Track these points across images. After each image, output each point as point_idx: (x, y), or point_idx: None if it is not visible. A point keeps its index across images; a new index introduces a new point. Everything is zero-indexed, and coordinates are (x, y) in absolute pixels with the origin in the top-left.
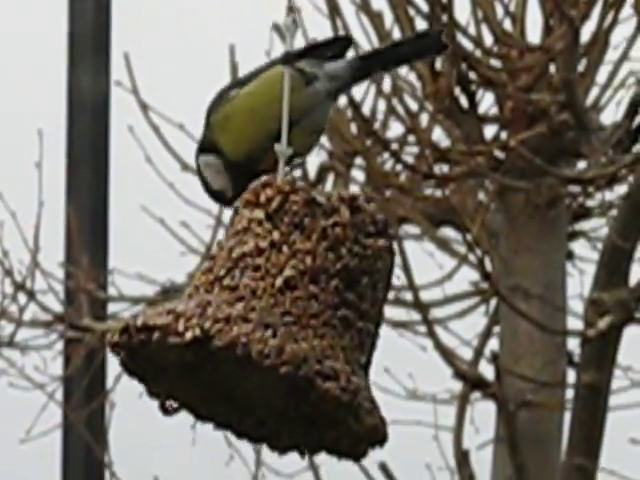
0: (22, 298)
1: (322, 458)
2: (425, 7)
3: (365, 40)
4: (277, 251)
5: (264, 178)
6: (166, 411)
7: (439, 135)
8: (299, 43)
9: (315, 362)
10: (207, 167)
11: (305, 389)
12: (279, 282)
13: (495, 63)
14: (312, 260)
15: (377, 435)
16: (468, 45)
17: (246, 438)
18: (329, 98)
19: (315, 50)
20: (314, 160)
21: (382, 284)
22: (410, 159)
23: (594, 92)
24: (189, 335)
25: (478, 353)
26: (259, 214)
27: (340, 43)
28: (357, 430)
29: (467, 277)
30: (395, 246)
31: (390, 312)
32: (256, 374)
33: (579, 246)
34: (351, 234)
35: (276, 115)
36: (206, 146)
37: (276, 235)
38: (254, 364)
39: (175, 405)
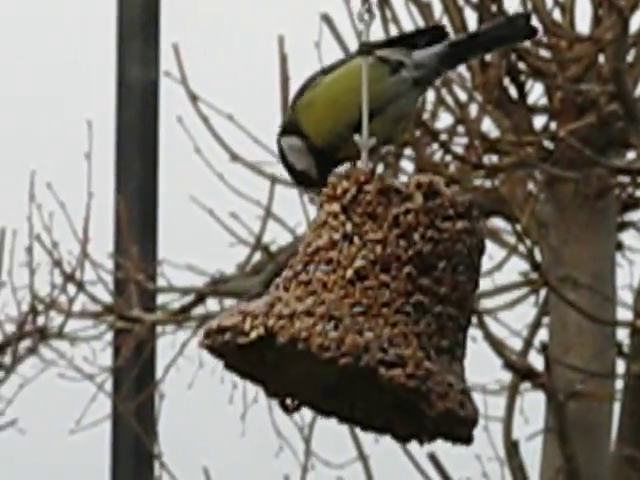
0: (71, 289)
1: (372, 449)
2: None
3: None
4: (349, 242)
5: (343, 169)
6: (287, 409)
7: (488, 125)
8: (350, 34)
9: (379, 350)
10: (291, 148)
11: (371, 378)
12: (349, 273)
13: (544, 53)
14: (382, 249)
15: (458, 419)
16: None
17: (372, 430)
18: (416, 86)
19: (407, 39)
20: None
21: (464, 267)
22: (459, 150)
23: None
24: (254, 334)
25: (528, 343)
26: (335, 207)
27: (435, 33)
28: (430, 415)
29: (517, 267)
30: (482, 227)
31: None
32: (331, 367)
33: (628, 236)
34: (425, 219)
35: (356, 105)
36: (290, 129)
37: (349, 226)
38: (315, 357)
39: (295, 402)
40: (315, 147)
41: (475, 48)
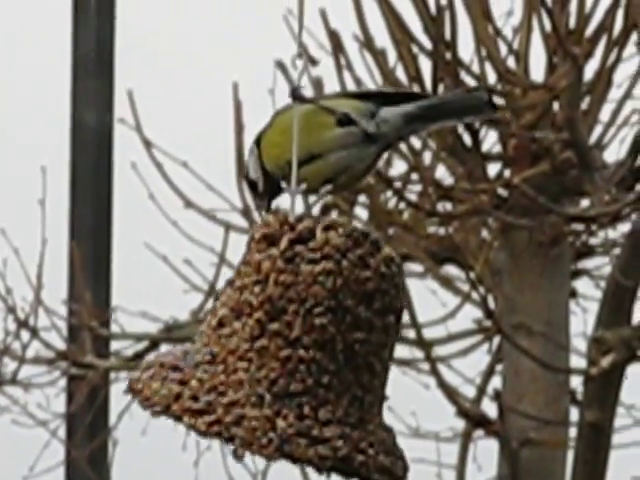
0: (25, 335)
1: None
2: (429, 45)
3: (368, 78)
4: (229, 289)
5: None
6: (238, 456)
7: (442, 173)
8: (304, 82)
9: (189, 398)
10: (250, 156)
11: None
12: (214, 322)
13: (498, 101)
14: (239, 295)
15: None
16: (472, 83)
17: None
18: (369, 141)
19: (386, 96)
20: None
21: (325, 308)
22: (413, 197)
23: (597, 130)
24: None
25: (481, 391)
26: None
27: (415, 97)
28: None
29: (470, 315)
30: (378, 263)
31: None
32: None
33: (582, 284)
34: (281, 264)
35: (299, 145)
36: (257, 137)
37: (233, 274)
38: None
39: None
40: (263, 166)
41: (441, 115)
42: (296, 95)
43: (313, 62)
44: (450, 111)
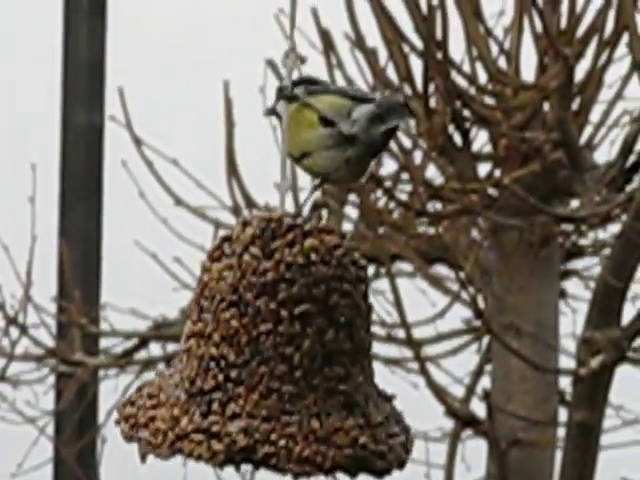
0: (14, 332)
1: None
2: (419, 44)
3: (359, 77)
4: None
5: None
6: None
7: (433, 173)
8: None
9: (130, 406)
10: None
11: None
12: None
13: (489, 101)
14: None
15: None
16: (462, 83)
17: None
18: (345, 143)
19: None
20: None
21: (226, 304)
22: (403, 196)
23: (588, 131)
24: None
25: (470, 391)
26: None
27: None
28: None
29: (459, 315)
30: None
31: (382, 349)
32: None
33: (572, 285)
34: (208, 264)
35: (295, 143)
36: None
37: None
38: None
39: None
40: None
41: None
42: (283, 94)
43: (302, 60)
44: (389, 112)
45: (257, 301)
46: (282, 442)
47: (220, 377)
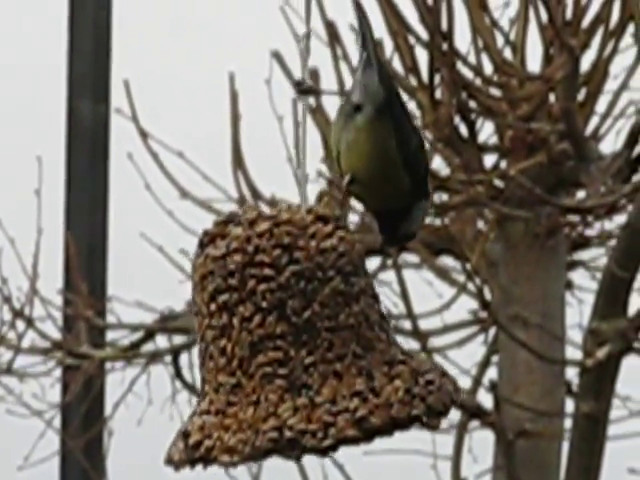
0: (20, 325)
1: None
2: (425, 35)
3: None
4: None
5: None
6: None
7: (439, 164)
8: (298, 71)
9: None
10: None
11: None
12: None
13: (495, 92)
14: None
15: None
16: (468, 74)
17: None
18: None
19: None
20: (314, 188)
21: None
22: None
23: (594, 121)
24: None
25: (477, 382)
26: None
27: None
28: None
29: (466, 306)
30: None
31: (394, 338)
32: None
33: (578, 275)
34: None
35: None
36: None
37: None
38: None
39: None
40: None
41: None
42: (300, 89)
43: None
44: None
45: (198, 297)
46: (217, 434)
47: (201, 376)
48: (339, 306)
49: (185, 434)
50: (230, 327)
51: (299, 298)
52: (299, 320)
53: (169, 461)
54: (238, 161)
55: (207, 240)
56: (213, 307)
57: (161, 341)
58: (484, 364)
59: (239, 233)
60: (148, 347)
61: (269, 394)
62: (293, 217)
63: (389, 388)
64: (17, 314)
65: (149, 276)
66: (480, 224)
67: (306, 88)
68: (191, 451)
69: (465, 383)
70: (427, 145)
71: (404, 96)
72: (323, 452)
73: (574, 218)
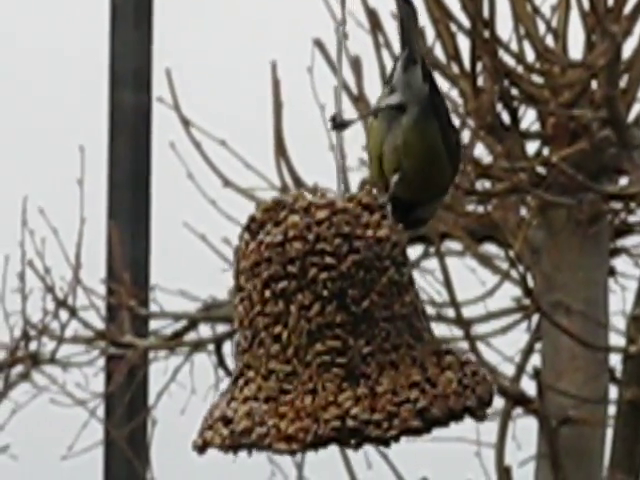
0: (64, 315)
1: (365, 474)
2: (467, 23)
3: None
4: None
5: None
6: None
7: (481, 151)
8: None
9: None
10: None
11: None
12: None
13: (537, 79)
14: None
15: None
16: (510, 61)
17: None
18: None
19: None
20: (355, 176)
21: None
22: None
23: (636, 108)
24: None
25: (520, 369)
26: None
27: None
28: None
29: (509, 293)
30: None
31: (432, 328)
32: None
33: (621, 262)
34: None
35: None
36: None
37: None
38: None
39: None
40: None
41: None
42: (334, 124)
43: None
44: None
45: (248, 284)
46: (272, 422)
47: (240, 363)
48: (394, 296)
49: (226, 420)
50: (287, 315)
51: (359, 287)
52: (358, 309)
53: (203, 445)
54: (280, 149)
55: (255, 226)
56: (267, 294)
57: (204, 330)
58: (527, 351)
59: (296, 220)
60: (191, 336)
61: (326, 383)
62: (347, 205)
63: (442, 379)
64: (60, 304)
65: (192, 265)
66: (523, 211)
67: (341, 122)
68: (238, 437)
69: (508, 370)
70: (469, 133)
71: (445, 85)
72: (385, 442)
73: (616, 205)
